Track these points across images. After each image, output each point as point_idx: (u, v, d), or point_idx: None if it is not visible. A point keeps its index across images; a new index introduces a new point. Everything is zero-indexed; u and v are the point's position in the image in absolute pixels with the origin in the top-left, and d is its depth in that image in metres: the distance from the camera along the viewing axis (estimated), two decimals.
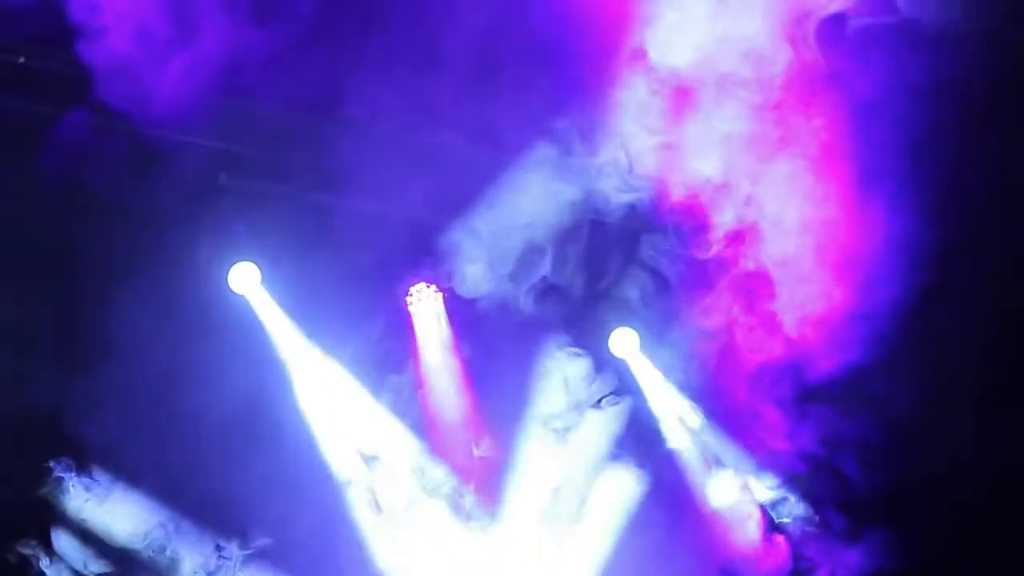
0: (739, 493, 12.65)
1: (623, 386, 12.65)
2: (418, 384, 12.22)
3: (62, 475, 10.98)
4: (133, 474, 11.15)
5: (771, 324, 11.98)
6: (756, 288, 11.98)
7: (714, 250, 11.94)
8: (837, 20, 11.10)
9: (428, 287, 12.16)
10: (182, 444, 11.05)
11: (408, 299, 12.17)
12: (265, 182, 11.57)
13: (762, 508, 12.62)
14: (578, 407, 12.52)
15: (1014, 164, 11.52)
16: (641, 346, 12.60)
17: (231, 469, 11.12)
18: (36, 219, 10.77)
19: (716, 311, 12.23)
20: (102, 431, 10.84)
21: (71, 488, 10.99)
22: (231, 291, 11.47)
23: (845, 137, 11.39)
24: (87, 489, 11.05)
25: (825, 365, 11.90)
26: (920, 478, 12.06)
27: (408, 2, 11.05)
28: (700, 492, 12.68)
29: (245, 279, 11.51)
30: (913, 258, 11.41)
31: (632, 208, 11.88)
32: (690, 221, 11.87)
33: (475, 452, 12.23)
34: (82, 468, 11.04)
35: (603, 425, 12.59)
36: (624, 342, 12.62)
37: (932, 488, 12.04)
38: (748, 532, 12.60)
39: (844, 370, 11.86)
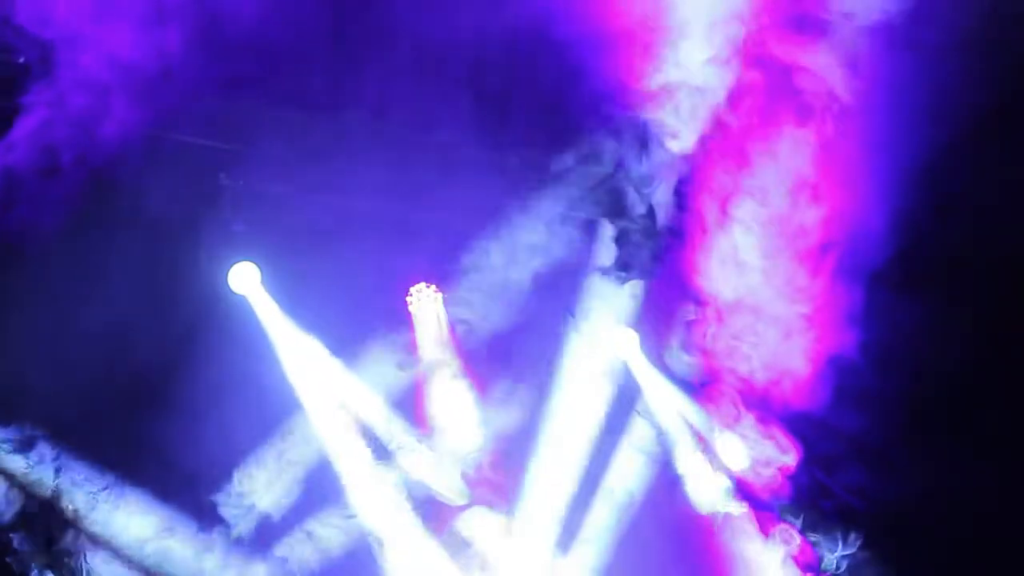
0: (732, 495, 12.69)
1: (623, 387, 12.67)
2: (418, 384, 12.24)
3: None
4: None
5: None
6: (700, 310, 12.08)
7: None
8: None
9: (428, 287, 12.17)
10: (180, 443, 11.09)
11: (408, 299, 12.18)
12: (265, 182, 11.59)
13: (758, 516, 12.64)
14: (582, 409, 12.54)
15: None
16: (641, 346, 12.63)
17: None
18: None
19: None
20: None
21: None
22: (231, 291, 11.50)
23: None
24: None
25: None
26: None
27: (410, 6, 11.07)
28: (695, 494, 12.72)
29: (245, 279, 11.53)
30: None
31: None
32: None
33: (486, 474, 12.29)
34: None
35: (606, 425, 12.63)
36: (624, 342, 12.63)
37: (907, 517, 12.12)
38: (745, 537, 12.63)
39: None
